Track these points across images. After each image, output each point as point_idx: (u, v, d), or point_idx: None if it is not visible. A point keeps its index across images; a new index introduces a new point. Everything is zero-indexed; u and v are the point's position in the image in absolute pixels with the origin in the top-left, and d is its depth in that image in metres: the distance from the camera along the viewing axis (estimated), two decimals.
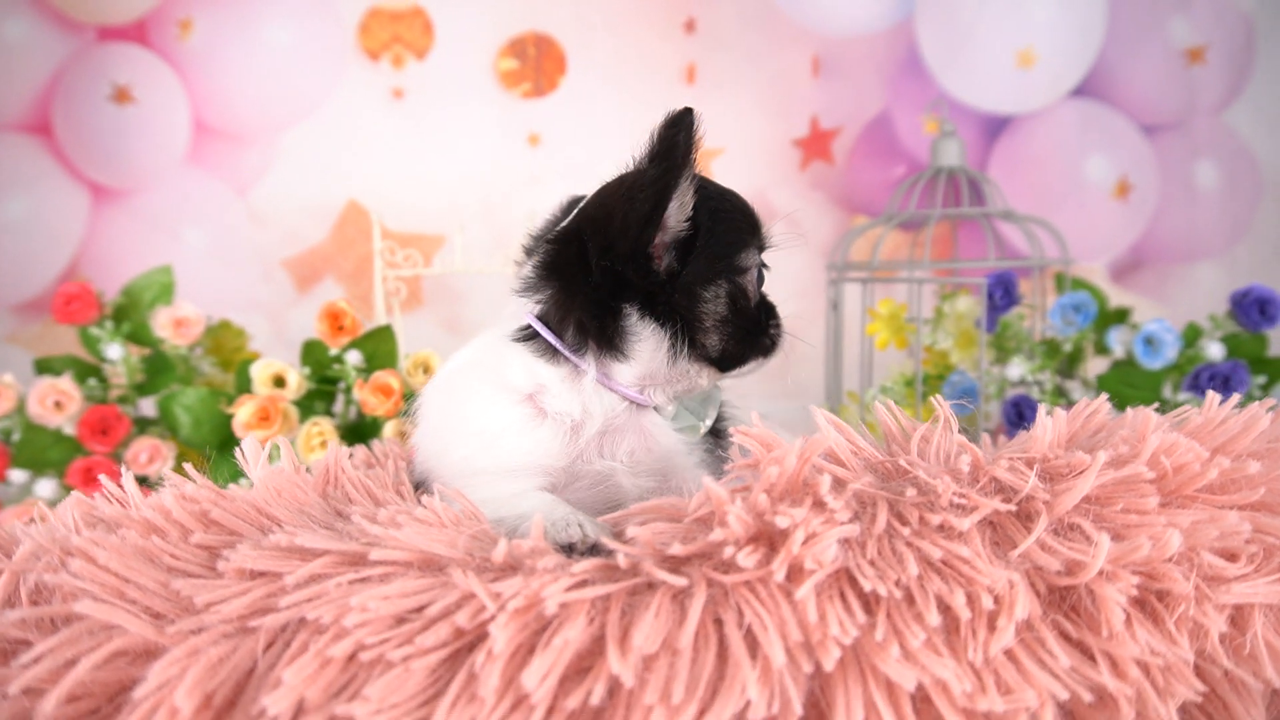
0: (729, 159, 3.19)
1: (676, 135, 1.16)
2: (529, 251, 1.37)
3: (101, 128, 3.01)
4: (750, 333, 1.30)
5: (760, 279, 1.33)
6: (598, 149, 3.15)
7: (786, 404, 2.89)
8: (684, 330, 1.25)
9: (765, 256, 1.34)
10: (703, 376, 1.31)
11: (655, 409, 1.30)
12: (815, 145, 3.24)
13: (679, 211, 1.21)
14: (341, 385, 2.18)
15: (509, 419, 1.25)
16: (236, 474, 1.48)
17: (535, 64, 3.17)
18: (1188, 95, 3.14)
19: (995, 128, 3.22)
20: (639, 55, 3.17)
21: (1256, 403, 1.02)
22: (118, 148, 3.03)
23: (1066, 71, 3.16)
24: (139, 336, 2.22)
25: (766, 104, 3.21)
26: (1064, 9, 3.15)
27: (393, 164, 3.14)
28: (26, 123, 3.03)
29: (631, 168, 1.25)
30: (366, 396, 2.07)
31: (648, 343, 1.25)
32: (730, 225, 1.27)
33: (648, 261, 1.22)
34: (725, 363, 1.30)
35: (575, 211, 1.31)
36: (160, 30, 3.02)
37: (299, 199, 3.13)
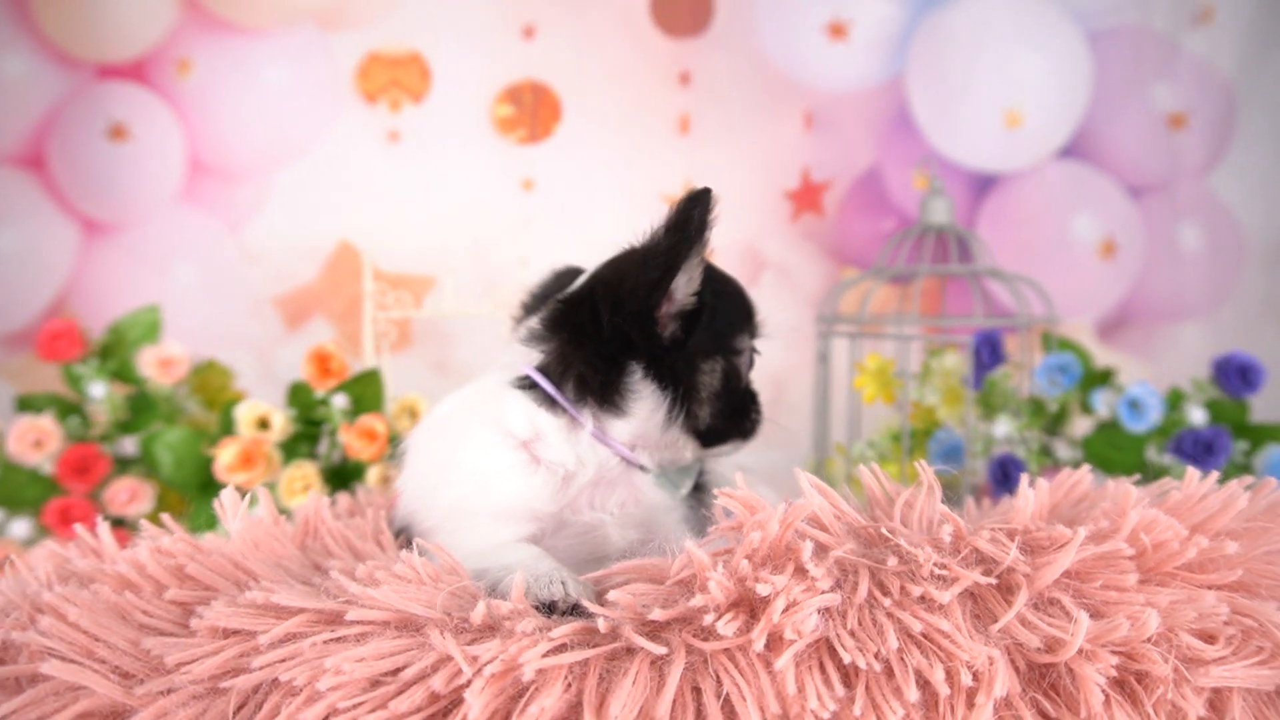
0: (721, 209, 3.22)
1: (693, 210, 1.25)
2: (528, 309, 1.45)
3: (96, 163, 3.02)
4: (736, 412, 1.38)
5: (750, 363, 1.42)
6: (591, 195, 3.18)
7: (774, 455, 2.89)
8: (682, 398, 1.31)
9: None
10: (687, 449, 1.37)
11: (641, 468, 1.33)
12: (806, 198, 3.27)
13: (687, 285, 1.29)
14: (326, 427, 2.17)
15: (504, 463, 1.28)
16: (216, 518, 1.47)
17: (531, 111, 3.21)
18: (1171, 159, 3.20)
19: (983, 186, 3.26)
20: (634, 105, 3.21)
21: (1235, 480, 1.03)
22: (112, 183, 3.04)
23: (1053, 132, 3.22)
24: (124, 374, 2.21)
25: (759, 156, 3.24)
26: (1051, 72, 3.22)
27: (386, 205, 3.16)
28: (20, 156, 3.04)
29: (644, 233, 1.31)
30: (351, 440, 2.06)
31: (646, 403, 1.30)
32: (730, 307, 1.37)
33: (654, 325, 1.29)
34: (709, 438, 1.36)
35: (589, 274, 1.38)
36: (159, 69, 3.05)
37: (291, 238, 3.14)
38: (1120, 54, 3.18)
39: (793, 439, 2.98)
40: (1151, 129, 3.18)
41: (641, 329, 1.28)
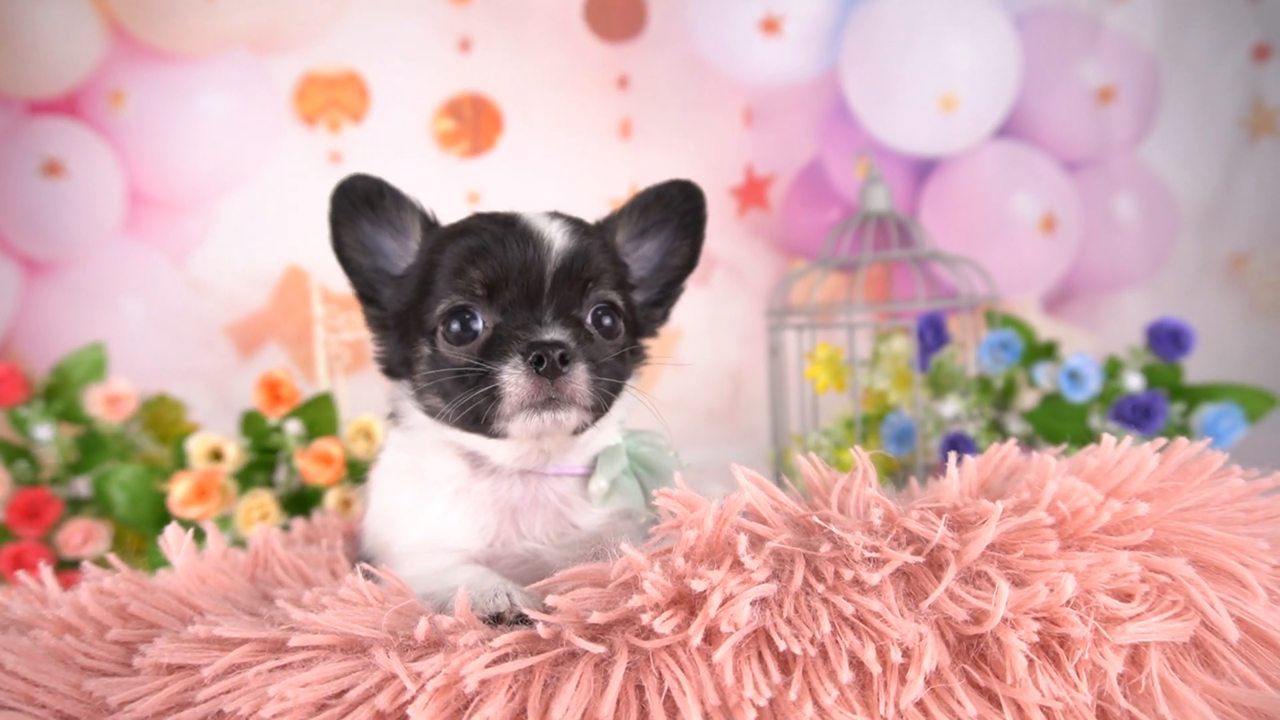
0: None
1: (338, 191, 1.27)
2: None
3: (32, 201, 2.99)
4: (449, 392, 1.18)
5: (463, 331, 1.18)
6: (538, 204, 3.18)
7: (734, 449, 2.92)
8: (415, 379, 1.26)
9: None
10: (466, 439, 1.23)
11: (590, 489, 1.26)
12: (751, 193, 3.31)
13: (364, 243, 1.28)
14: (282, 454, 2.16)
15: (408, 497, 1.28)
16: None
17: (472, 124, 3.21)
18: (1102, 133, 3.28)
19: (923, 170, 3.32)
20: (575, 112, 3.23)
21: (1147, 444, 1.07)
22: (50, 221, 3.00)
23: (987, 114, 3.29)
24: (71, 415, 2.19)
25: (701, 155, 3.28)
26: (980, 55, 3.29)
27: None
28: None
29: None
30: (307, 465, 2.06)
31: (399, 402, 1.30)
32: (432, 275, 1.21)
33: (370, 300, 1.31)
34: (452, 421, 1.20)
35: None
36: (92, 103, 3.02)
37: (239, 265, 3.12)
38: (1046, 34, 3.26)
39: (751, 433, 3.03)
40: (1081, 105, 3.26)
41: (366, 303, 1.31)
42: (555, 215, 1.25)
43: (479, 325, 1.18)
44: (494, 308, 1.18)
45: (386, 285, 1.29)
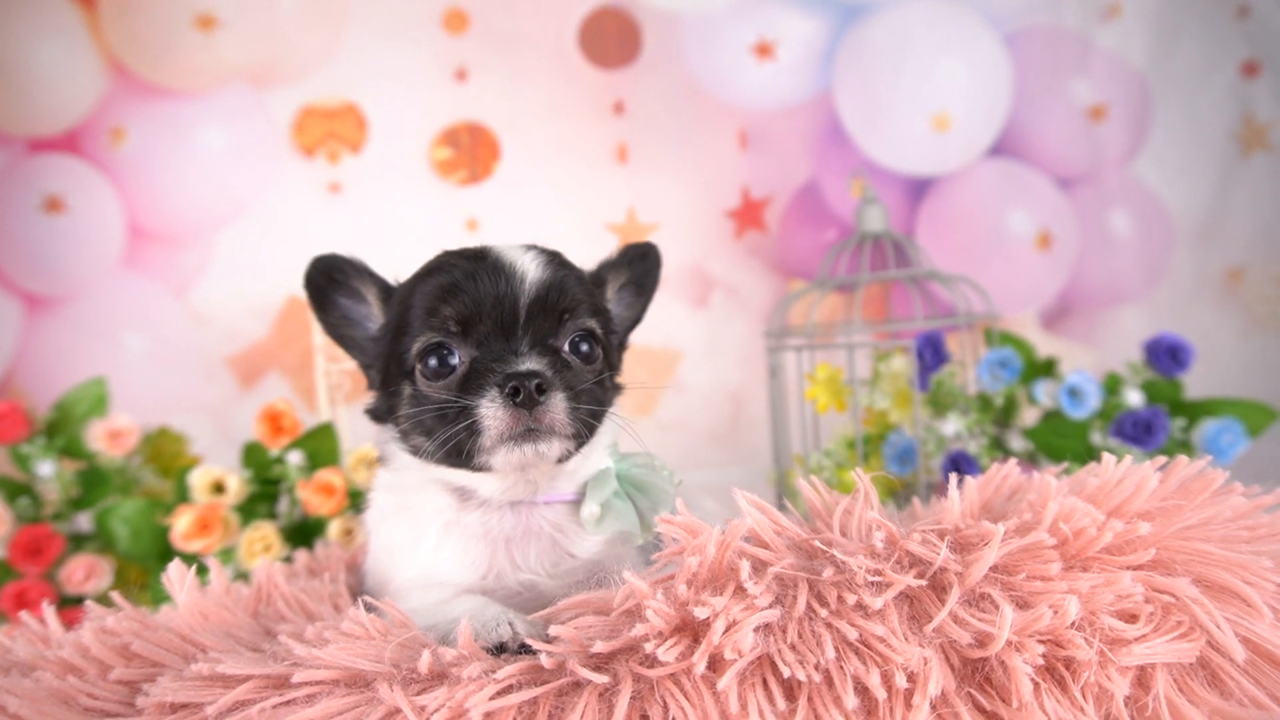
0: (665, 233, 3.27)
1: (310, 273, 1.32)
2: None
3: (33, 238, 3.00)
4: (430, 429, 1.17)
5: (440, 367, 1.18)
6: (536, 231, 3.18)
7: (735, 470, 2.92)
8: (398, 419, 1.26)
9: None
10: (454, 475, 1.23)
11: (584, 514, 1.24)
12: (748, 215, 3.33)
13: (347, 315, 1.33)
14: (284, 485, 2.16)
15: (399, 535, 1.28)
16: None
17: (469, 152, 3.24)
18: (1095, 150, 3.31)
19: (918, 189, 3.34)
20: (571, 138, 3.26)
21: (1147, 462, 1.07)
22: (51, 257, 3.02)
23: (981, 133, 3.31)
24: (73, 450, 2.19)
25: (698, 178, 3.30)
26: (972, 74, 3.32)
27: None
28: None
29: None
30: (309, 496, 2.06)
31: (389, 444, 1.30)
32: (406, 318, 1.22)
33: (358, 352, 1.34)
34: (444, 460, 1.19)
35: None
36: (92, 139, 3.04)
37: (239, 297, 3.13)
38: (1036, 53, 3.29)
39: (752, 453, 3.02)
40: (1073, 122, 3.29)
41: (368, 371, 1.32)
42: (529, 247, 1.25)
43: (455, 360, 1.18)
44: (469, 342, 1.18)
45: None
